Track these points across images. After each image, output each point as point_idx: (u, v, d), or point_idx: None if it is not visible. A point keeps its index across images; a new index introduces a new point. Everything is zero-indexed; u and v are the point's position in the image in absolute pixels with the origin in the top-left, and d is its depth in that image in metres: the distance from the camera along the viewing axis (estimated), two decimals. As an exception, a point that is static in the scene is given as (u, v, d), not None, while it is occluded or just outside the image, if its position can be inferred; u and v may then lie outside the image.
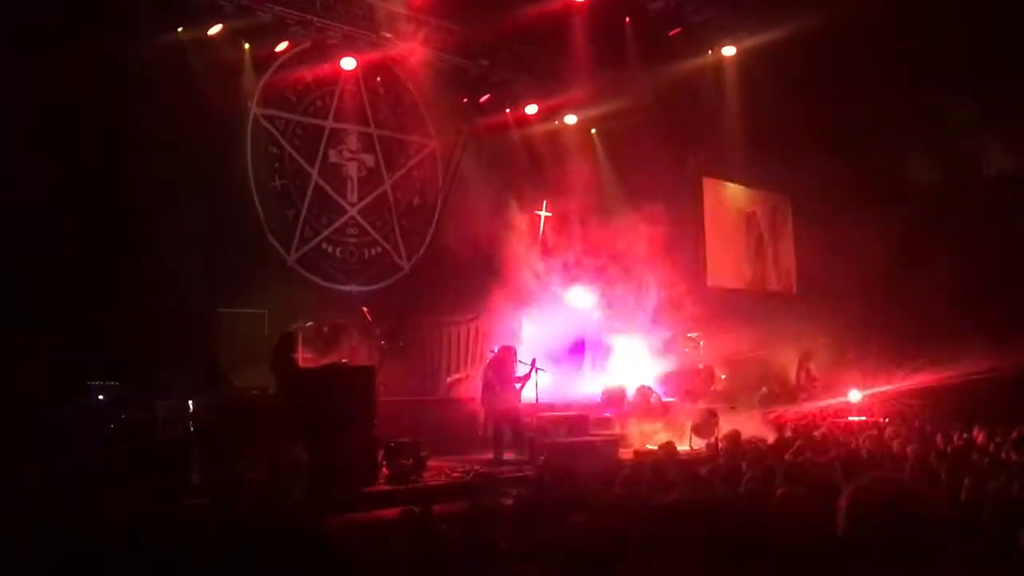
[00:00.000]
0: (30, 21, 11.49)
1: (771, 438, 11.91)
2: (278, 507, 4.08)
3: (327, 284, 15.91)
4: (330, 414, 9.90)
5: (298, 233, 15.75)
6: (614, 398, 15.59)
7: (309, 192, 16.00)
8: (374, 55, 16.09)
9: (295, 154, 15.87)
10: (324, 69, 15.91)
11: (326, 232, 16.15)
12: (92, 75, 11.74)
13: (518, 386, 12.94)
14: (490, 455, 12.48)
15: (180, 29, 13.71)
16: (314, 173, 16.07)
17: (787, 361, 18.41)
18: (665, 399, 15.92)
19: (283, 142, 15.72)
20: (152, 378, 11.45)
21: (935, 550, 2.82)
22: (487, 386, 12.96)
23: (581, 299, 17.45)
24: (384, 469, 10.40)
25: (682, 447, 13.29)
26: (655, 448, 10.63)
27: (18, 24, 11.33)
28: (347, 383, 10.57)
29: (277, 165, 15.62)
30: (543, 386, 13.51)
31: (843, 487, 3.04)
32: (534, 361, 13.17)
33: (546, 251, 17.25)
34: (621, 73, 17.91)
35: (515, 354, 13.23)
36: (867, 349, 18.40)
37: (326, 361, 12.32)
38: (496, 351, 13.67)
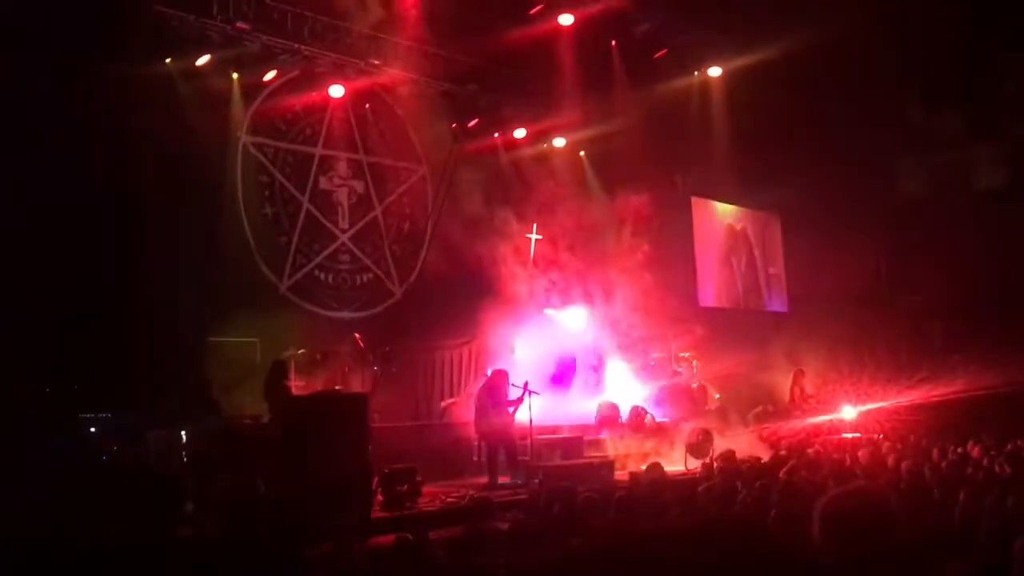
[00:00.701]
0: (20, 52, 11.50)
1: (766, 456, 11.91)
2: (261, 534, 4.06)
3: (320, 311, 15.89)
4: (324, 441, 9.86)
5: (290, 260, 15.74)
6: (608, 419, 15.58)
7: (300, 219, 16.01)
8: (362, 82, 16.15)
9: (285, 182, 15.88)
10: (313, 97, 15.95)
11: (318, 259, 16.15)
12: (79, 106, 11.76)
13: (511, 409, 12.90)
14: (485, 480, 12.43)
15: (168, 60, 13.74)
16: (305, 200, 16.09)
17: (781, 379, 18.41)
18: (659, 419, 15.91)
19: (273, 170, 15.74)
20: (144, 409, 11.40)
21: (913, 559, 2.83)
22: (480, 410, 12.92)
23: (573, 321, 17.46)
24: (379, 496, 10.35)
25: (677, 467, 13.32)
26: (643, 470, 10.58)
27: (5, 59, 11.35)
28: (340, 410, 10.52)
29: (267, 193, 15.63)
30: (537, 409, 13.47)
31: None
32: (526, 384, 13.12)
33: (537, 273, 17.26)
34: (608, 95, 18.04)
35: (508, 377, 13.20)
36: (861, 365, 18.41)
37: (319, 388, 12.29)
38: (489, 375, 13.65)
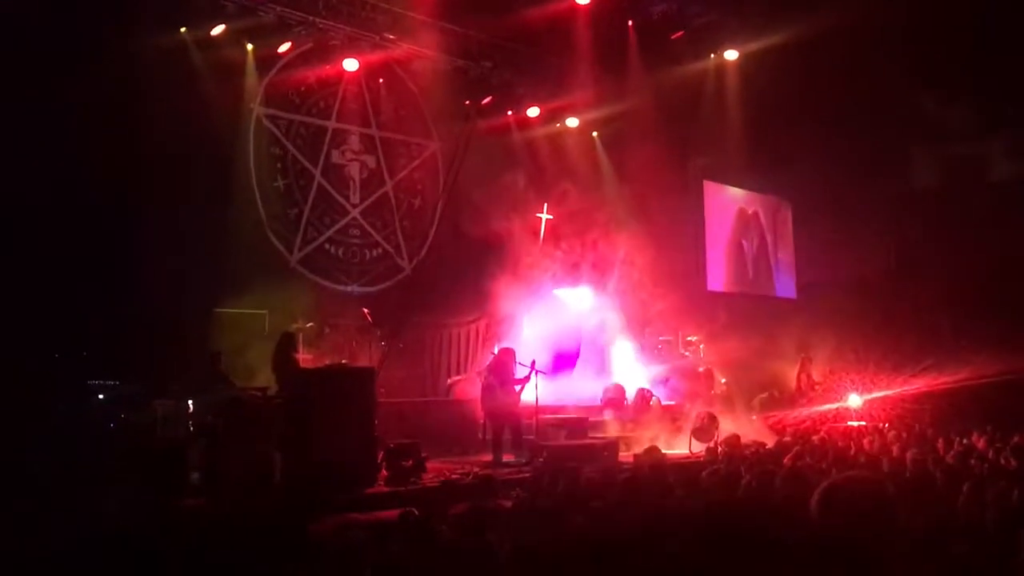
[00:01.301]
0: (34, 22, 11.50)
1: (771, 442, 11.93)
2: (273, 507, 4.09)
3: (329, 284, 15.90)
4: (330, 415, 9.90)
5: (301, 233, 15.75)
6: (614, 400, 15.60)
7: (312, 192, 16.01)
8: (377, 56, 16.08)
9: (298, 154, 15.87)
10: (327, 70, 15.91)
11: (329, 232, 16.16)
12: (95, 75, 11.74)
13: (518, 388, 12.92)
14: (490, 457, 12.47)
15: (183, 29, 13.73)
16: (317, 173, 16.08)
17: (787, 365, 18.41)
18: (665, 402, 15.92)
19: (286, 142, 15.72)
20: (152, 378, 11.45)
21: (912, 544, 2.85)
22: (487, 388, 12.93)
23: (582, 301, 17.47)
24: (384, 471, 10.40)
25: (682, 450, 13.36)
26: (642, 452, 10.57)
27: (22, 26, 11.34)
28: (347, 384, 10.55)
29: (280, 165, 15.61)
30: (543, 388, 13.50)
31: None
32: (533, 363, 13.14)
33: (547, 253, 17.25)
34: (623, 76, 17.95)
35: (515, 356, 13.21)
36: (868, 354, 18.40)
37: (326, 362, 12.32)
38: (496, 353, 13.66)
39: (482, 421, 13.34)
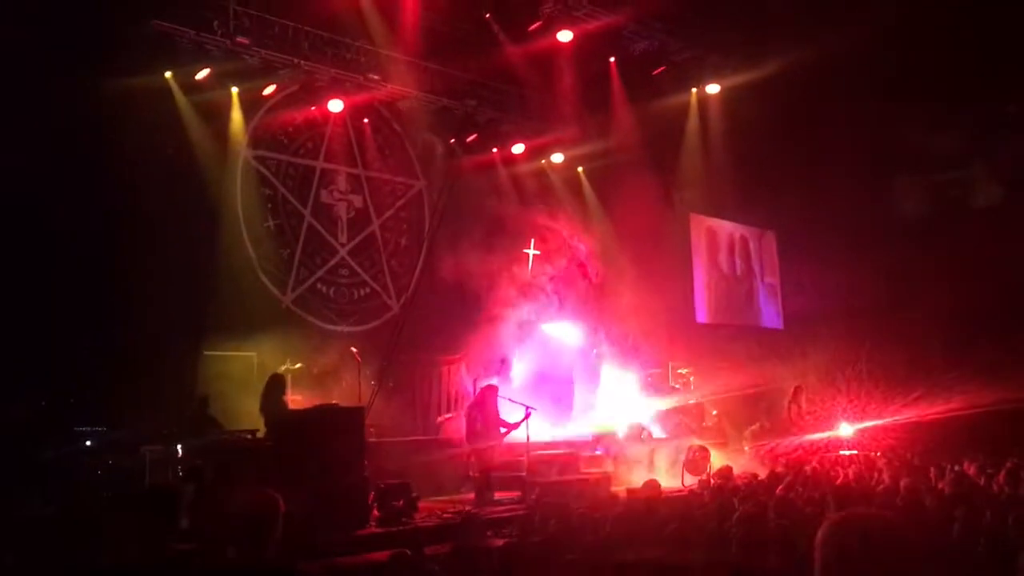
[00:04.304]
0: (21, 63, 11.51)
1: (763, 473, 11.90)
2: (264, 551, 4.03)
3: (319, 324, 15.85)
4: (320, 456, 9.83)
5: (294, 273, 15.74)
6: (605, 435, 15.54)
7: (303, 232, 16.02)
8: (361, 97, 16.16)
9: (288, 195, 15.90)
10: (312, 111, 15.96)
11: (320, 272, 16.16)
12: (80, 119, 11.77)
13: (503, 430, 12.66)
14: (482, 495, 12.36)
15: (168, 74, 13.78)
16: (307, 214, 16.10)
17: (778, 396, 18.38)
18: (657, 436, 15.88)
19: (276, 183, 15.74)
20: (140, 422, 11.37)
21: None
22: (471, 425, 12.81)
23: (570, 336, 17.44)
24: (375, 511, 10.32)
25: (674, 484, 13.31)
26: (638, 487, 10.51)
27: (7, 67, 11.35)
28: (337, 424, 10.49)
29: (270, 206, 15.61)
30: (533, 424, 13.39)
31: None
32: (528, 408, 12.86)
33: (534, 289, 17.24)
34: (607, 112, 18.10)
35: (497, 393, 13.02)
36: (858, 383, 18.40)
37: (315, 402, 12.26)
38: (479, 391, 13.56)
39: (469, 459, 13.23)
